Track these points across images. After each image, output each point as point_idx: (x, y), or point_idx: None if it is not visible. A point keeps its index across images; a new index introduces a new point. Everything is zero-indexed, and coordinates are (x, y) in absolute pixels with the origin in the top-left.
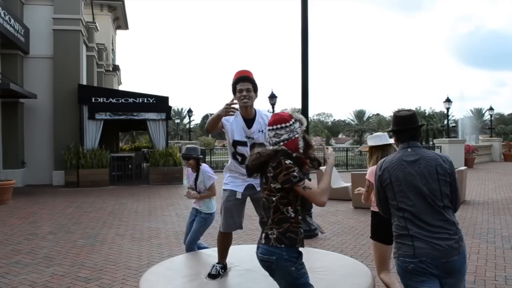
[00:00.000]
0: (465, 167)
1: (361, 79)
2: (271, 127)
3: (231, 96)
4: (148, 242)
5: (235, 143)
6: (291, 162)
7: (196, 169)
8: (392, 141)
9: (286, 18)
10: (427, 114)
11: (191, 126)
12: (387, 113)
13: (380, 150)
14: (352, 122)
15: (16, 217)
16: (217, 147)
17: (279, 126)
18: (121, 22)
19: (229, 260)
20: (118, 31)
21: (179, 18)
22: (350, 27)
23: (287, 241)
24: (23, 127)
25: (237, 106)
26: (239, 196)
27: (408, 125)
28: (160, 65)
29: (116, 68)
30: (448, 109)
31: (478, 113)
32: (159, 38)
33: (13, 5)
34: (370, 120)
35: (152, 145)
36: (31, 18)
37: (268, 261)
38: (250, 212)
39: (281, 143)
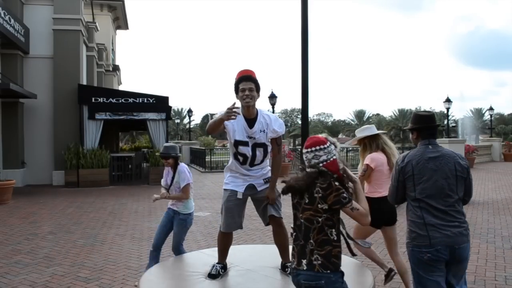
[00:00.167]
0: None
1: (361, 79)
2: (309, 149)
3: (232, 96)
4: (148, 242)
5: (237, 143)
6: (339, 183)
7: (174, 168)
8: (380, 132)
9: (286, 18)
10: None
11: (191, 126)
12: (387, 113)
13: (374, 140)
14: (352, 122)
15: (16, 217)
16: (217, 147)
17: (318, 147)
18: (121, 22)
19: (229, 260)
20: (118, 31)
21: (179, 18)
22: (350, 27)
23: (332, 267)
24: (23, 127)
25: (238, 110)
26: (240, 196)
27: (430, 124)
28: (160, 65)
29: (116, 68)
30: (448, 109)
31: (478, 113)
32: (159, 38)
33: (13, 5)
34: (370, 120)
35: (152, 145)
36: (31, 18)
37: (316, 286)
38: (250, 212)
39: (321, 164)
